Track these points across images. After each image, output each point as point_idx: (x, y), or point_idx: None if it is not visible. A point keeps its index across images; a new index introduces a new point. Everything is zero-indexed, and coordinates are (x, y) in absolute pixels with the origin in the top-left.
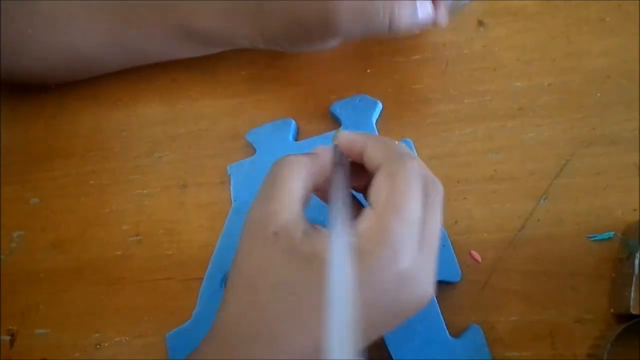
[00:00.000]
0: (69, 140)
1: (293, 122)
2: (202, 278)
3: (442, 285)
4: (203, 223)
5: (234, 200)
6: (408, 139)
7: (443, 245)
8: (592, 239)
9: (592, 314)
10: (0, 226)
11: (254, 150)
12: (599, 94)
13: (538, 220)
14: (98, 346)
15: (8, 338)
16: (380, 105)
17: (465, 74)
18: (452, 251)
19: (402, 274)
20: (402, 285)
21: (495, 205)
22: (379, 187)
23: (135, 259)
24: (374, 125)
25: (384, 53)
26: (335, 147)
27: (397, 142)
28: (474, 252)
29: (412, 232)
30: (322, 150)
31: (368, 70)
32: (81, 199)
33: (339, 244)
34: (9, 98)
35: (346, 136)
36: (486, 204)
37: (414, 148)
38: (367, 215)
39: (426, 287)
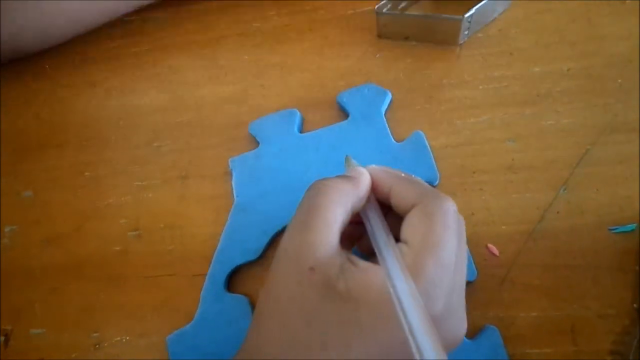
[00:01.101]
0: (62, 130)
1: (298, 113)
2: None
3: None
4: (206, 216)
5: (237, 196)
6: (419, 131)
7: None
8: (614, 231)
9: (615, 309)
10: None
11: (256, 142)
12: (620, 80)
13: (558, 212)
14: (97, 346)
15: (2, 338)
16: (389, 95)
17: (480, 59)
18: (467, 249)
19: (435, 318)
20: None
21: (514, 196)
22: (414, 226)
23: (135, 254)
24: (383, 116)
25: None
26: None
27: (422, 181)
28: (490, 246)
29: (448, 277)
30: (360, 174)
31: (377, 55)
32: (77, 192)
33: (403, 285)
34: None
35: (372, 172)
36: (504, 195)
37: (425, 140)
38: (403, 253)
39: (458, 330)
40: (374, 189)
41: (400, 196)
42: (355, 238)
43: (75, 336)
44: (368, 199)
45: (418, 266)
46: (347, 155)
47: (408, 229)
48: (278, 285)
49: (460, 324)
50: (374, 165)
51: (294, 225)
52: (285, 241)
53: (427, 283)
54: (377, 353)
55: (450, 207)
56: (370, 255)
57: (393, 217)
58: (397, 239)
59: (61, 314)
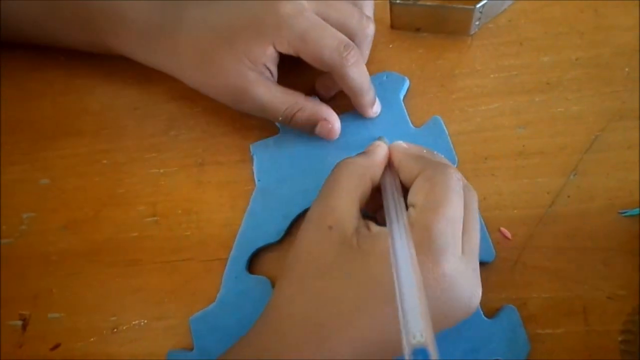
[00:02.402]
0: (78, 118)
1: (318, 100)
2: (224, 259)
3: None
4: (223, 202)
5: (258, 181)
6: (437, 116)
7: None
8: (624, 214)
9: (625, 290)
10: (8, 208)
11: (275, 128)
12: (627, 69)
13: (568, 196)
14: (115, 330)
15: (20, 323)
16: (407, 82)
17: (490, 48)
18: (486, 230)
19: (445, 276)
20: (445, 291)
21: (525, 181)
22: (417, 190)
23: (153, 240)
24: (402, 102)
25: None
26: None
27: (438, 154)
28: (503, 229)
29: (454, 233)
30: (376, 147)
31: (391, 45)
32: (94, 179)
33: (401, 237)
34: (13, 74)
35: (391, 148)
36: (515, 180)
37: (443, 125)
38: (409, 214)
39: (470, 295)
40: (389, 164)
41: (406, 170)
42: (376, 208)
43: (93, 320)
44: (387, 169)
45: (423, 223)
46: (380, 136)
47: (412, 194)
48: (301, 245)
49: (472, 288)
50: (399, 142)
51: (319, 196)
52: (311, 209)
53: (433, 238)
54: (384, 303)
55: (452, 172)
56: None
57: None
58: None
59: (79, 298)
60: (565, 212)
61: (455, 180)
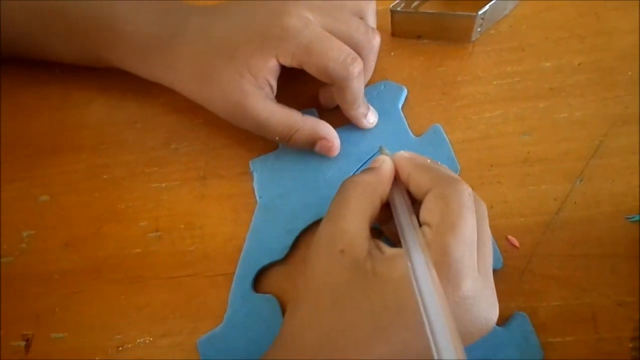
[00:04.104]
0: (77, 133)
1: (316, 112)
2: (229, 274)
3: None
4: (226, 215)
5: (260, 197)
6: (437, 125)
7: None
8: (631, 219)
9: (634, 296)
10: (8, 226)
11: (276, 142)
12: (630, 72)
13: (575, 202)
14: (120, 348)
15: (23, 343)
16: (405, 91)
17: (492, 55)
18: (493, 238)
19: (464, 298)
20: (465, 313)
21: (530, 188)
22: (430, 209)
23: (156, 255)
24: (400, 111)
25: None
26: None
27: (442, 165)
28: (511, 237)
29: (471, 253)
30: (382, 162)
31: (392, 53)
32: (94, 195)
33: (421, 262)
34: (10, 89)
35: (395, 160)
36: (521, 188)
37: (443, 133)
38: (424, 234)
39: (488, 312)
40: (396, 177)
41: (415, 184)
42: (383, 220)
43: (97, 339)
44: (394, 184)
45: (440, 245)
46: (381, 146)
47: (425, 212)
48: (312, 270)
49: (490, 308)
50: (401, 152)
51: (327, 218)
52: (319, 232)
53: (451, 260)
54: (402, 329)
55: (464, 189)
56: (396, 240)
57: (417, 202)
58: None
59: (82, 317)
60: (571, 219)
61: (467, 197)
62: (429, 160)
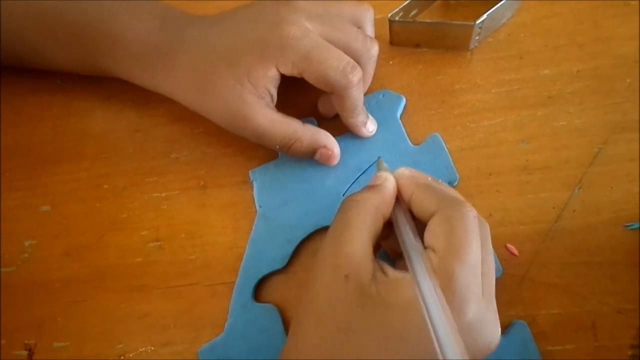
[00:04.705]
0: (78, 142)
1: (315, 122)
2: (230, 283)
3: None
4: (226, 224)
5: (260, 207)
6: (436, 134)
7: None
8: (630, 227)
9: (633, 304)
10: (9, 235)
11: (276, 152)
12: (628, 80)
13: (574, 210)
14: (122, 357)
15: (25, 353)
16: (404, 100)
17: (491, 63)
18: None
19: (469, 324)
20: (469, 336)
21: (530, 196)
22: (436, 233)
23: (157, 265)
24: (399, 120)
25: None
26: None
27: (444, 183)
28: (510, 246)
29: (476, 278)
30: (384, 180)
31: (391, 62)
32: (95, 204)
33: (430, 289)
34: (12, 99)
35: (397, 178)
36: (520, 196)
37: (442, 142)
38: (429, 258)
39: (492, 335)
40: (398, 196)
41: (419, 205)
42: (383, 237)
43: (99, 348)
44: (397, 203)
45: (445, 271)
46: (379, 158)
47: (431, 236)
48: (316, 294)
49: (493, 330)
50: (402, 169)
51: (329, 240)
52: (322, 254)
53: (457, 286)
54: (407, 356)
55: (469, 212)
56: (396, 256)
57: (419, 221)
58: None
59: (84, 326)
60: (571, 227)
61: (472, 219)
62: (430, 178)
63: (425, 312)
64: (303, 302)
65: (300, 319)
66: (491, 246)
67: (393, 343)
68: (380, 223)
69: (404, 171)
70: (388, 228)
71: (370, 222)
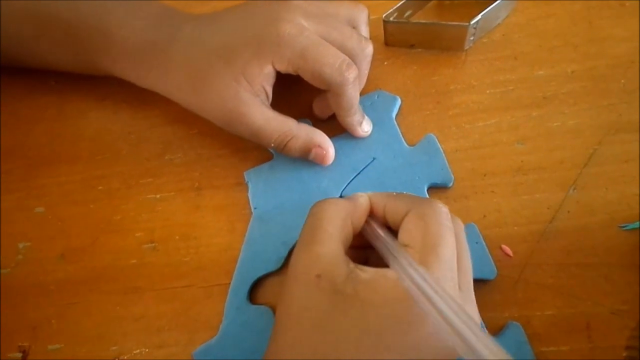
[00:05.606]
0: (73, 144)
1: (310, 123)
2: (224, 284)
3: (476, 282)
4: (221, 226)
5: (255, 208)
6: (431, 134)
7: (476, 242)
8: (624, 228)
9: (628, 305)
10: (4, 237)
11: (270, 153)
12: (623, 80)
13: (568, 211)
14: (117, 359)
15: (20, 355)
16: (399, 101)
17: (485, 64)
18: (486, 248)
19: None
20: None
21: (524, 197)
22: (410, 230)
23: (152, 266)
24: (394, 121)
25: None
26: None
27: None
28: (504, 247)
29: (452, 272)
30: (357, 195)
31: (385, 63)
32: (90, 206)
33: (419, 273)
34: (7, 101)
35: (369, 196)
36: (515, 196)
37: (437, 142)
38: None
39: None
40: (372, 213)
41: (393, 211)
42: (362, 262)
43: (94, 350)
44: (371, 216)
45: (424, 265)
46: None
47: (405, 234)
48: (290, 296)
49: None
50: (371, 192)
51: (300, 242)
52: (294, 258)
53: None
54: (385, 351)
55: (441, 207)
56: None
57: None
58: None
59: (78, 328)
60: (565, 228)
61: (445, 215)
62: (405, 193)
63: (424, 300)
64: (280, 304)
65: (277, 321)
66: (466, 242)
67: (370, 337)
68: (350, 229)
69: (373, 193)
70: (367, 252)
71: (339, 224)
